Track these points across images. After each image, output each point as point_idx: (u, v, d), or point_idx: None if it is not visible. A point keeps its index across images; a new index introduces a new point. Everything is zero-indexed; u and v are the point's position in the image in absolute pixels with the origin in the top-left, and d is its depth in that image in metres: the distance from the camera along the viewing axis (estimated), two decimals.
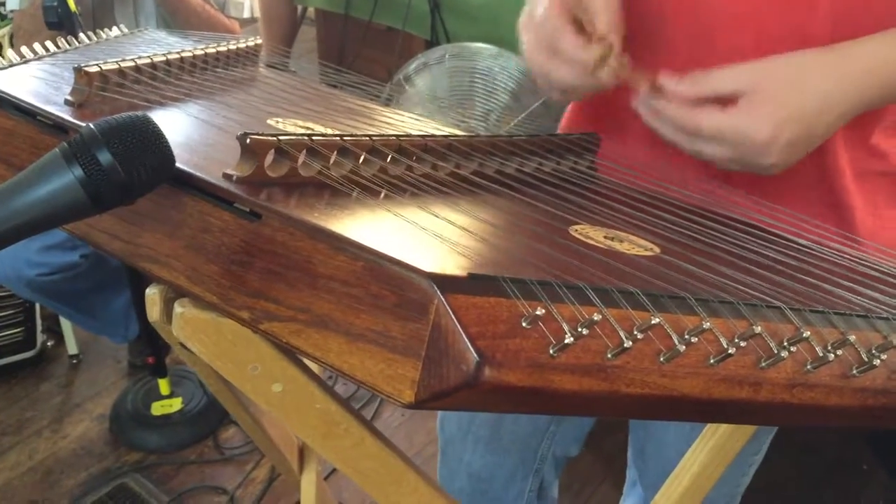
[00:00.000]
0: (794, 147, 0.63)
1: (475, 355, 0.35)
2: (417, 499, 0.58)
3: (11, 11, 1.85)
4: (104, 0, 1.76)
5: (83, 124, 0.44)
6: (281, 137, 0.47)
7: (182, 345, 0.48)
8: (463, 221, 0.49)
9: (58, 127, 0.52)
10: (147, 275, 0.47)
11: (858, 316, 0.48)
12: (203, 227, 0.45)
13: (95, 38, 0.80)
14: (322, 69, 0.87)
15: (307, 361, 0.45)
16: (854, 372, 0.44)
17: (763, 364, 0.41)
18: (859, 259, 0.62)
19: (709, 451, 0.76)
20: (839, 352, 0.42)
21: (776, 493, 1.66)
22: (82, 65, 0.58)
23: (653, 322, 0.38)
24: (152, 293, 0.49)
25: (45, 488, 1.67)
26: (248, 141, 0.45)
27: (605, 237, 0.53)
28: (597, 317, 0.36)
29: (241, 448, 1.77)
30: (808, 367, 0.42)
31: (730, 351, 0.39)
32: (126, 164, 0.40)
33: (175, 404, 1.82)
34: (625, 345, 0.37)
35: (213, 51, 0.77)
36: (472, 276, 0.37)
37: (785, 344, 0.41)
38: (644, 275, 0.45)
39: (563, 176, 0.67)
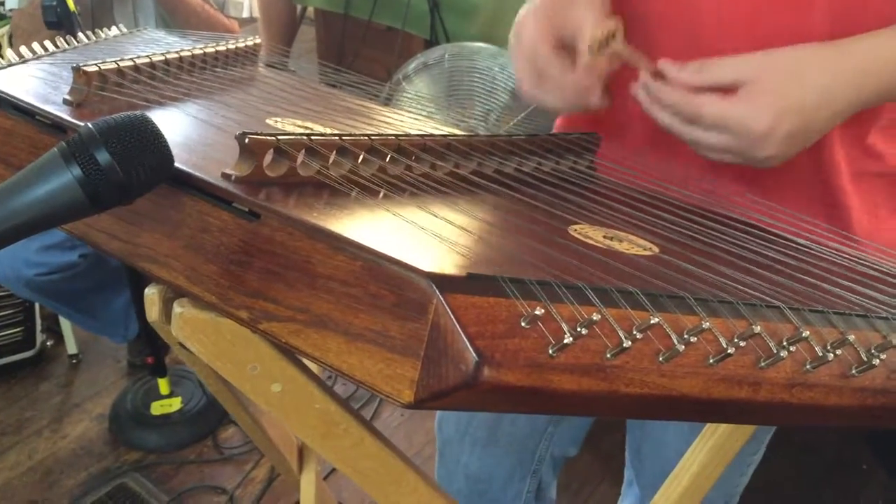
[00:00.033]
0: (793, 139, 0.62)
1: (474, 355, 0.35)
2: (417, 498, 0.58)
3: (11, 10, 1.84)
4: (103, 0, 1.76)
5: (82, 124, 0.44)
6: (280, 137, 0.47)
7: (181, 345, 0.48)
8: (462, 221, 0.49)
9: (56, 126, 0.52)
10: (146, 275, 0.47)
11: (858, 315, 0.48)
12: (202, 226, 0.45)
13: (94, 38, 0.80)
14: (321, 69, 0.87)
15: (306, 361, 0.45)
16: (853, 372, 0.44)
17: (762, 364, 0.41)
18: (858, 259, 0.62)
19: (708, 450, 0.76)
20: (838, 351, 0.42)
21: (775, 493, 1.66)
22: (81, 64, 0.58)
23: (652, 322, 0.38)
24: (151, 293, 0.49)
25: (45, 488, 1.67)
26: (246, 140, 0.45)
27: (605, 237, 0.53)
28: (596, 317, 0.36)
29: (241, 448, 1.77)
30: (808, 366, 0.42)
31: (729, 351, 0.39)
32: (124, 163, 0.40)
33: (174, 404, 1.81)
34: (624, 345, 0.37)
35: (212, 50, 0.77)
36: (471, 276, 0.37)
37: (784, 344, 0.41)
38: (643, 274, 0.45)
39: (563, 175, 0.67)
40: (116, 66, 0.61)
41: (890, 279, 0.59)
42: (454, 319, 0.35)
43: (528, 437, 1.01)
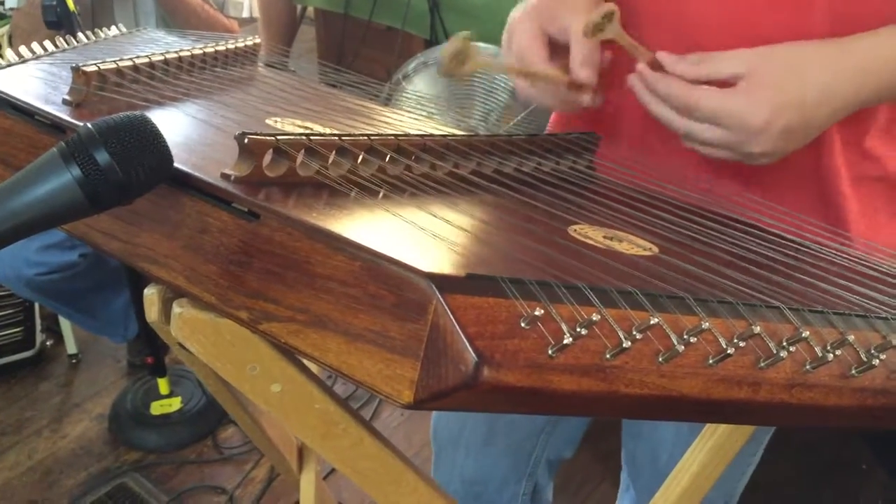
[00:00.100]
0: (790, 135, 0.62)
1: (474, 356, 0.35)
2: (416, 498, 0.58)
3: (10, 10, 1.84)
4: None
5: (81, 124, 0.44)
6: (279, 137, 0.47)
7: (180, 345, 0.48)
8: (461, 221, 0.49)
9: (56, 127, 0.52)
10: (145, 275, 0.47)
11: (857, 316, 0.48)
12: (201, 227, 0.45)
13: (94, 38, 0.80)
14: (321, 69, 0.87)
15: (306, 361, 0.45)
16: (853, 372, 0.44)
17: (762, 364, 0.41)
18: (858, 259, 0.62)
19: (708, 450, 0.76)
20: (838, 352, 0.42)
21: (775, 493, 1.66)
22: (80, 64, 0.58)
23: (651, 322, 0.38)
24: (151, 293, 0.49)
25: (45, 488, 1.67)
26: (246, 141, 0.45)
27: (605, 237, 0.52)
28: (595, 317, 0.36)
29: (241, 448, 1.77)
30: (807, 367, 0.42)
31: (728, 351, 0.39)
32: (124, 163, 0.40)
33: (174, 404, 1.81)
34: (623, 345, 0.37)
35: (212, 50, 0.77)
36: (470, 277, 0.37)
37: (784, 344, 0.41)
38: (643, 275, 0.45)
39: (562, 175, 0.67)
40: (116, 66, 0.61)
41: (889, 279, 0.59)
42: (454, 320, 0.35)
43: (524, 440, 1.01)
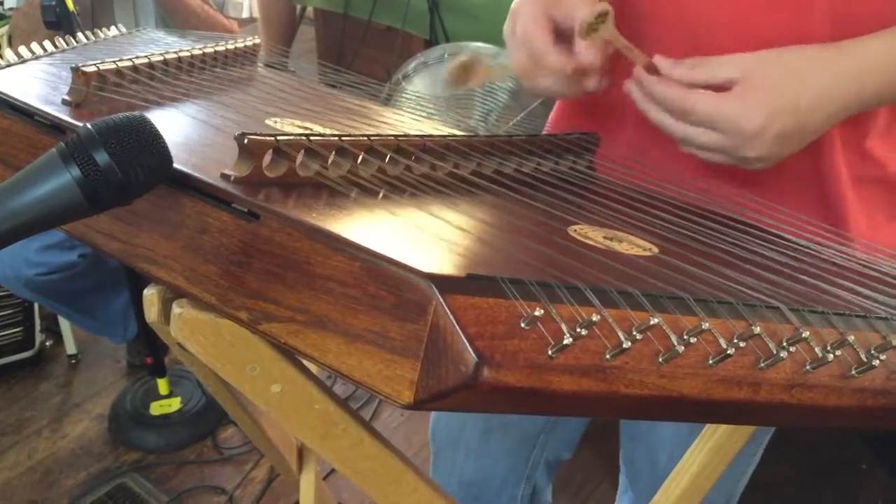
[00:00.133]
0: (785, 140, 0.62)
1: (474, 356, 0.35)
2: (416, 499, 0.58)
3: (10, 9, 1.84)
4: None
5: (80, 124, 0.44)
6: (279, 137, 0.47)
7: (180, 345, 0.48)
8: (461, 222, 0.49)
9: (55, 127, 0.52)
10: (145, 275, 0.47)
11: (857, 316, 0.48)
12: (201, 227, 0.45)
13: (93, 38, 0.80)
14: (321, 69, 0.87)
15: (305, 362, 0.45)
16: (853, 372, 0.44)
17: (762, 364, 0.41)
18: (858, 259, 0.62)
19: (708, 451, 0.76)
20: (838, 352, 0.42)
21: (775, 493, 1.66)
22: (80, 64, 0.58)
23: (651, 322, 0.38)
24: (150, 294, 0.49)
25: (45, 488, 1.67)
26: (245, 141, 0.45)
27: (605, 237, 0.52)
28: (595, 317, 0.36)
29: (240, 448, 1.77)
30: (807, 367, 0.42)
31: (729, 351, 0.39)
32: (123, 164, 0.40)
33: (174, 404, 1.81)
34: (623, 345, 0.37)
35: (212, 50, 0.77)
36: (470, 277, 0.37)
37: (784, 344, 0.41)
38: (643, 275, 0.45)
39: (562, 176, 0.67)
40: (115, 66, 0.61)
41: (889, 279, 0.59)
42: (454, 320, 0.35)
43: (522, 442, 1.01)
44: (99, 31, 0.82)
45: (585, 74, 0.68)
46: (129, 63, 0.63)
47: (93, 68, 0.58)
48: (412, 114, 0.80)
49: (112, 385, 1.95)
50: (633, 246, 0.52)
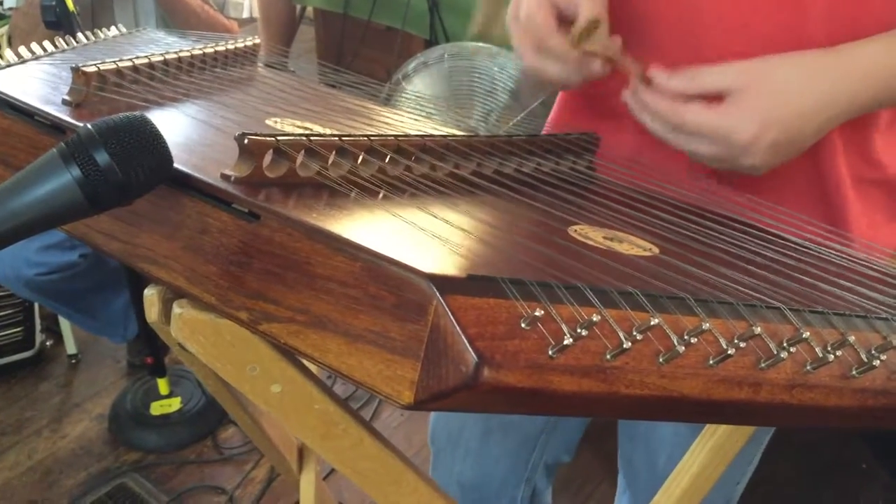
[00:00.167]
0: (778, 149, 0.62)
1: (474, 356, 0.35)
2: (417, 499, 0.58)
3: (10, 9, 1.84)
4: None
5: (81, 124, 0.43)
6: (279, 138, 0.47)
7: (181, 345, 0.48)
8: (462, 222, 0.49)
9: (55, 127, 0.52)
10: (145, 275, 0.47)
11: (858, 316, 0.48)
12: (201, 227, 0.45)
13: (93, 38, 0.80)
14: (321, 69, 0.87)
15: (305, 362, 0.45)
16: (854, 373, 0.44)
17: (762, 365, 0.41)
18: (859, 259, 0.62)
19: (708, 451, 0.76)
20: (839, 352, 0.42)
21: (775, 493, 1.66)
22: (80, 65, 0.58)
23: (652, 323, 0.38)
24: (151, 294, 0.49)
25: (45, 488, 1.67)
26: (246, 141, 0.45)
27: (605, 238, 0.52)
28: (596, 318, 0.36)
29: (241, 448, 1.77)
30: (808, 367, 0.42)
31: (729, 352, 0.39)
32: (124, 164, 0.40)
33: (174, 404, 1.81)
34: (624, 346, 0.37)
35: (212, 51, 0.77)
36: (470, 277, 0.37)
37: (784, 345, 0.41)
38: (643, 275, 0.45)
39: (562, 176, 0.67)
40: (115, 66, 0.61)
41: (890, 280, 0.59)
42: (454, 321, 0.35)
43: (522, 444, 1.01)
44: (99, 31, 0.82)
45: (589, 60, 0.67)
46: (129, 63, 0.63)
47: (93, 68, 0.58)
48: (412, 114, 0.80)
49: (112, 385, 1.95)
50: (634, 246, 0.52)
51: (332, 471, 1.60)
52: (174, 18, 1.77)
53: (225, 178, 0.45)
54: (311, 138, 0.49)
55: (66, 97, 0.57)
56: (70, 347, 2.00)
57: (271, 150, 0.47)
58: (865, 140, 0.71)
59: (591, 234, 0.52)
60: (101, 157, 0.39)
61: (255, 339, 0.46)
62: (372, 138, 0.52)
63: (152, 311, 0.49)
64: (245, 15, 2.03)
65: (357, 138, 0.51)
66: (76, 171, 0.39)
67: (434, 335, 0.36)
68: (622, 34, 0.68)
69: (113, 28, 0.84)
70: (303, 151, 0.48)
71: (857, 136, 0.70)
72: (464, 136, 0.64)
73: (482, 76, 1.70)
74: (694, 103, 0.63)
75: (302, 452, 0.92)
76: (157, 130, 0.42)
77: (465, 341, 0.35)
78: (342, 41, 2.52)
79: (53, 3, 1.43)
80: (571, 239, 0.51)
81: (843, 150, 0.70)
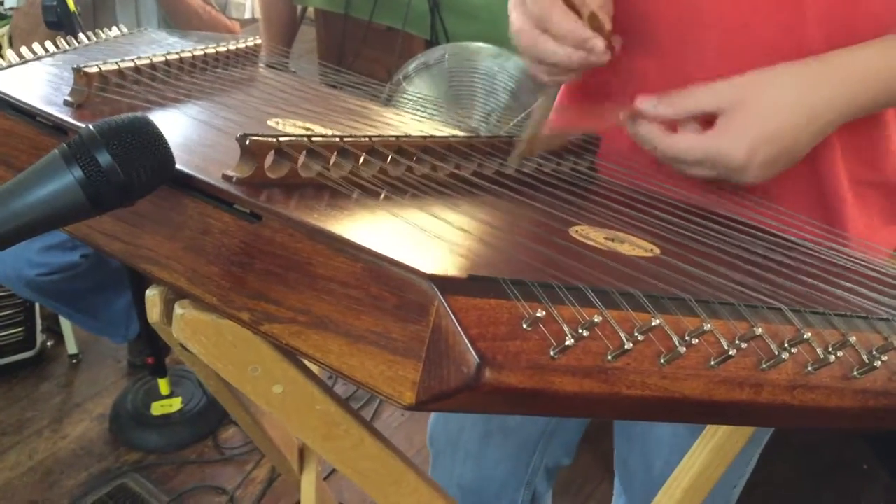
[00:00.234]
0: (773, 163, 0.63)
1: (476, 357, 0.35)
2: (417, 499, 0.58)
3: (10, 9, 1.84)
4: None
5: (82, 125, 0.44)
6: (281, 138, 0.47)
7: (182, 346, 0.48)
8: (463, 222, 0.49)
9: (57, 128, 0.52)
10: (147, 276, 0.47)
11: (859, 317, 0.48)
12: (203, 228, 0.45)
13: (95, 38, 0.80)
14: (322, 69, 0.87)
15: (307, 362, 0.45)
16: (855, 373, 0.44)
17: (764, 365, 0.41)
18: (859, 260, 0.62)
19: (709, 451, 0.76)
20: (840, 353, 0.42)
21: (775, 494, 1.66)
22: (81, 65, 0.58)
23: (653, 323, 0.38)
24: (152, 294, 0.49)
25: (45, 488, 1.67)
26: (247, 142, 0.45)
27: (606, 238, 0.52)
28: (597, 318, 0.36)
29: (241, 448, 1.77)
30: (809, 368, 0.42)
31: (730, 352, 0.39)
32: (125, 165, 0.40)
33: (175, 404, 1.82)
34: (625, 346, 0.37)
35: (213, 51, 0.77)
36: (472, 278, 0.37)
37: (786, 345, 0.41)
38: (644, 276, 0.45)
39: (563, 176, 0.67)
40: (117, 67, 0.61)
41: (890, 280, 0.59)
42: (455, 321, 0.35)
43: (522, 447, 1.01)
44: (100, 32, 0.82)
45: (591, 39, 0.65)
46: (131, 64, 0.63)
47: (95, 69, 0.58)
48: (413, 114, 0.80)
49: (113, 385, 1.95)
50: (635, 247, 0.52)
51: (333, 471, 1.60)
52: (176, 19, 1.78)
53: (226, 178, 0.45)
54: (313, 139, 0.49)
55: (68, 98, 0.57)
56: (71, 347, 2.00)
57: (273, 151, 0.47)
58: (864, 142, 0.71)
59: (592, 235, 0.52)
60: (103, 158, 0.39)
61: (256, 339, 0.46)
62: (373, 139, 0.52)
63: (154, 312, 0.49)
64: (247, 15, 2.03)
65: (358, 139, 0.51)
66: (78, 172, 0.39)
67: (435, 336, 0.36)
68: (622, 34, 0.68)
69: (114, 28, 0.84)
70: (304, 152, 0.48)
71: (855, 138, 0.70)
72: (465, 136, 0.64)
73: (483, 77, 1.70)
74: (686, 128, 0.64)
75: (303, 452, 0.92)
76: (159, 131, 0.42)
77: (467, 342, 0.35)
78: (343, 42, 2.52)
79: (55, 3, 1.43)
80: (572, 239, 0.51)
81: (842, 153, 0.71)
